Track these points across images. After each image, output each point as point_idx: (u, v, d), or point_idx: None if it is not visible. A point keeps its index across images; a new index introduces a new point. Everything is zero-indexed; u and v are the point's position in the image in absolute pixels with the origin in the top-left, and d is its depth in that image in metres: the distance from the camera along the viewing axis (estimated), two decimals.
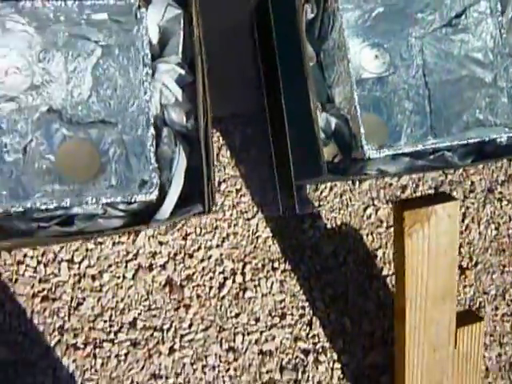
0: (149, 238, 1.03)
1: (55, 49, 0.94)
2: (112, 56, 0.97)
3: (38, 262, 0.98)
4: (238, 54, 1.10)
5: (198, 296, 1.04)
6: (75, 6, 0.86)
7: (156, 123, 0.91)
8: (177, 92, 0.92)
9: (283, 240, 1.11)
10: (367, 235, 1.16)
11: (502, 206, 1.26)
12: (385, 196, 1.19)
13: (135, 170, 0.95)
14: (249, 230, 1.08)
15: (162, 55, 0.92)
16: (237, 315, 1.06)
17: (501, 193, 1.26)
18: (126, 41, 0.95)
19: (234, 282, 1.06)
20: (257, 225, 1.09)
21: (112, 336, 0.98)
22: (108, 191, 0.91)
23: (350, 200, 1.17)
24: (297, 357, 1.09)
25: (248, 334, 1.06)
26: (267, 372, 1.05)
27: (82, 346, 0.97)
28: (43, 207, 0.82)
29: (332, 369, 1.09)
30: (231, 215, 1.08)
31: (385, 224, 1.18)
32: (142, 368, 1.00)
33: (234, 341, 1.05)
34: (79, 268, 0.99)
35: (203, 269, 1.05)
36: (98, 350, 0.98)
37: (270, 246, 1.09)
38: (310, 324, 1.09)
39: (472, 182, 1.24)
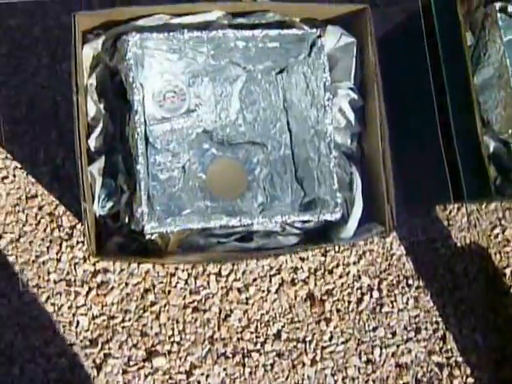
0: (290, 254, 1.03)
1: (204, 74, 0.93)
2: (256, 81, 0.95)
3: (189, 275, 0.99)
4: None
5: (338, 310, 1.05)
6: (253, 34, 0.85)
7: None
8: (350, 115, 0.92)
9: (416, 258, 1.10)
10: (495, 254, 1.15)
11: None
12: (511, 216, 1.17)
13: (279, 189, 0.94)
14: (383, 248, 1.09)
15: (333, 80, 0.91)
16: (374, 329, 1.06)
17: None
18: (288, 65, 0.93)
19: (371, 297, 1.06)
20: (391, 243, 1.09)
21: (259, 346, 0.99)
22: (290, 209, 0.90)
23: (478, 220, 1.15)
24: (431, 370, 1.06)
25: (385, 347, 1.04)
26: None
27: (231, 356, 0.98)
28: (225, 224, 0.82)
29: (465, 383, 1.07)
30: None
31: None
32: (287, 378, 1.00)
33: (372, 353, 1.04)
34: (226, 281, 1.00)
35: (342, 284, 1.05)
36: (246, 360, 0.98)
37: (404, 264, 1.09)
38: (443, 338, 1.08)
39: None
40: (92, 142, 0.87)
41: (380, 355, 1.03)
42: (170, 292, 0.98)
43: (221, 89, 0.94)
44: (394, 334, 1.05)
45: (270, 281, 1.01)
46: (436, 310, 1.08)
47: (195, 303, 0.98)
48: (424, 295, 1.08)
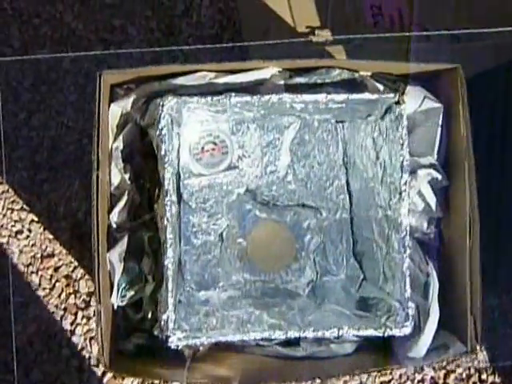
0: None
1: (251, 121, 0.92)
2: (311, 129, 0.94)
3: None
4: None
5: None
6: (315, 99, 0.83)
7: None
8: (430, 199, 0.86)
9: (491, 347, 1.06)
10: None
11: None
12: None
13: (332, 261, 0.94)
14: None
15: (411, 153, 0.84)
16: None
17: None
18: (353, 121, 0.92)
19: None
20: None
21: None
22: (348, 320, 0.84)
23: None
24: None
25: None
26: None
27: None
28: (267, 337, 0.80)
29: None
30: None
31: None
32: None
33: None
34: None
35: (400, 376, 1.03)
36: None
37: (476, 354, 1.00)
38: None
39: None
40: (114, 217, 0.86)
41: None
42: None
43: (269, 137, 0.94)
44: None
45: None
46: None
47: None
48: None
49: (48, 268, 1.08)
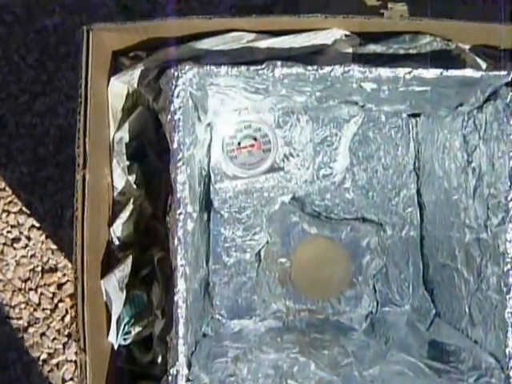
0: None
1: (302, 111, 0.89)
2: (377, 125, 0.91)
3: None
4: None
5: None
6: (396, 75, 0.75)
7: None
8: None
9: None
10: None
11: None
12: None
13: (396, 289, 0.91)
14: None
15: None
16: None
17: None
18: (434, 113, 0.87)
19: None
20: None
21: None
22: (423, 376, 0.78)
23: None
24: None
25: None
26: None
27: None
28: None
29: None
30: None
31: None
32: None
33: None
34: None
35: None
36: None
37: None
38: None
39: None
40: (117, 231, 0.81)
41: None
42: None
43: (324, 132, 0.91)
44: None
45: None
46: None
47: None
48: None
49: (50, 285, 1.06)
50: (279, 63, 0.74)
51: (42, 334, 1.07)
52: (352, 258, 0.91)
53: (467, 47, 0.83)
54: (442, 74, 0.74)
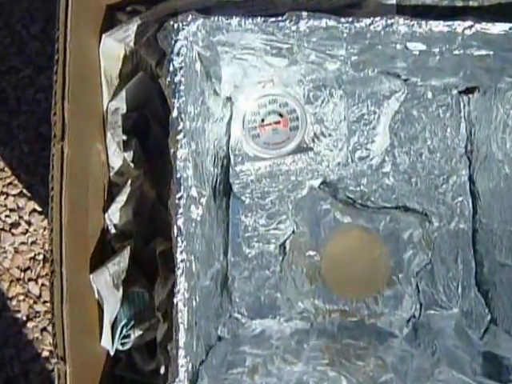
0: None
1: (336, 85, 0.84)
2: (422, 102, 0.86)
3: None
4: None
5: None
6: (454, 28, 0.68)
7: None
8: None
9: None
10: None
11: None
12: None
13: (442, 290, 0.86)
14: None
15: None
16: None
17: None
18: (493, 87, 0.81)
19: None
20: None
21: None
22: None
23: None
24: None
25: None
26: None
27: None
28: None
29: None
30: None
31: None
32: None
33: None
34: None
35: None
36: None
37: None
38: None
39: None
40: (114, 217, 0.75)
41: None
42: None
43: (361, 110, 0.86)
44: None
45: None
46: None
47: None
48: None
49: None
50: (305, 14, 0.67)
51: (43, 330, 1.04)
52: (391, 252, 0.86)
53: None
54: (510, 29, 0.65)
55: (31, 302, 1.04)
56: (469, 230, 0.86)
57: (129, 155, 0.75)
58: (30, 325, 1.05)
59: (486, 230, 0.83)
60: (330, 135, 0.86)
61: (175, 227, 0.65)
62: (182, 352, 0.64)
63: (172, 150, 0.65)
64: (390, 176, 0.86)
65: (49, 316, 1.03)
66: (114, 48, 0.74)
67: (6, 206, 1.08)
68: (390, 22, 0.67)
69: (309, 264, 0.85)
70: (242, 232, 0.84)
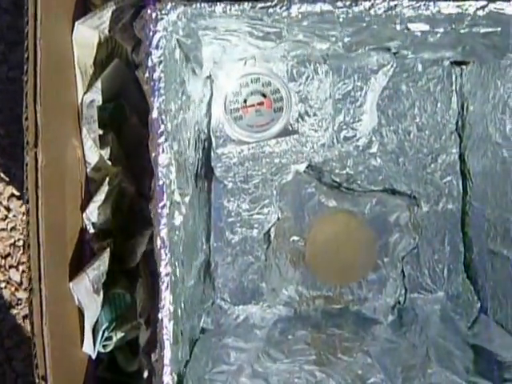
0: None
1: (321, 60, 0.81)
2: (411, 76, 0.83)
3: None
4: None
5: None
6: (461, 10, 0.63)
7: None
8: None
9: None
10: None
11: None
12: None
13: (428, 275, 0.85)
14: None
15: None
16: None
17: None
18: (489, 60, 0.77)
19: None
20: None
21: None
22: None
23: None
24: None
25: None
26: None
27: None
28: None
29: None
30: None
31: None
32: None
33: None
34: None
35: None
36: None
37: None
38: None
39: None
40: (92, 216, 0.71)
41: None
42: None
43: (347, 86, 0.83)
44: None
45: None
46: None
47: None
48: None
49: None
50: None
51: (25, 317, 1.03)
52: (377, 235, 0.84)
53: None
54: None
55: (13, 289, 1.03)
56: (457, 212, 0.84)
57: (106, 152, 0.72)
58: (12, 312, 1.05)
59: (478, 214, 0.81)
60: (314, 115, 0.83)
61: (158, 239, 0.61)
62: (167, 369, 0.62)
63: (153, 155, 0.61)
64: (377, 157, 0.84)
65: None
66: (87, 36, 0.70)
67: None
68: (392, 3, 0.62)
69: (293, 249, 0.84)
70: (225, 217, 0.83)
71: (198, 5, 0.61)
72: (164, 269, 0.62)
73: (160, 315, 0.62)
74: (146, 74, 0.60)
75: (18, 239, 1.05)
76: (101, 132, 0.71)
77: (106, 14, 0.69)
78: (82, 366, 0.70)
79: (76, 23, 0.69)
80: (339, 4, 0.63)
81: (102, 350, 0.71)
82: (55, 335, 0.62)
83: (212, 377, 0.70)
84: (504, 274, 0.76)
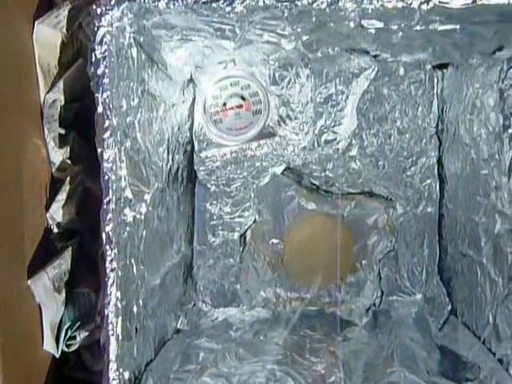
0: None
1: (301, 63, 0.81)
2: (393, 79, 0.84)
3: None
4: None
5: None
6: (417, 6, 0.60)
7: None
8: None
9: None
10: None
11: None
12: None
13: (406, 276, 0.86)
14: None
15: None
16: None
17: None
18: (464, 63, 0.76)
19: None
20: None
21: None
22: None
23: None
24: None
25: None
26: None
27: None
28: None
29: None
30: None
31: None
32: None
33: None
34: None
35: None
36: None
37: None
38: None
39: None
40: (56, 215, 0.72)
41: None
42: None
43: (328, 90, 0.84)
44: None
45: None
46: None
47: None
48: None
49: None
50: None
51: None
52: (356, 238, 0.85)
53: None
54: (475, 1, 0.59)
55: None
56: (435, 214, 0.84)
57: (65, 151, 0.71)
58: None
59: (451, 216, 0.81)
60: (296, 118, 0.84)
61: (103, 234, 0.60)
62: (113, 365, 0.61)
63: (99, 150, 0.60)
64: (357, 160, 0.85)
65: None
66: (49, 35, 0.69)
67: None
68: None
69: (271, 252, 0.84)
70: (208, 220, 0.84)
71: (142, 0, 0.60)
72: (109, 264, 0.60)
73: (106, 311, 0.60)
74: (91, 70, 0.59)
75: None
76: (62, 131, 0.70)
77: (63, 12, 0.69)
78: (45, 364, 0.70)
79: (36, 22, 0.68)
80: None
81: (66, 350, 0.71)
82: (8, 332, 0.62)
83: (177, 375, 0.70)
84: (471, 276, 0.75)
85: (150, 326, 0.67)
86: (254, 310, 0.84)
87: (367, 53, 0.78)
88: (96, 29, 0.58)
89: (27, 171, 0.67)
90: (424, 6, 0.60)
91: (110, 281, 0.61)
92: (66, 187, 0.71)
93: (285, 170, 0.85)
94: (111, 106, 0.59)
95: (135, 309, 0.64)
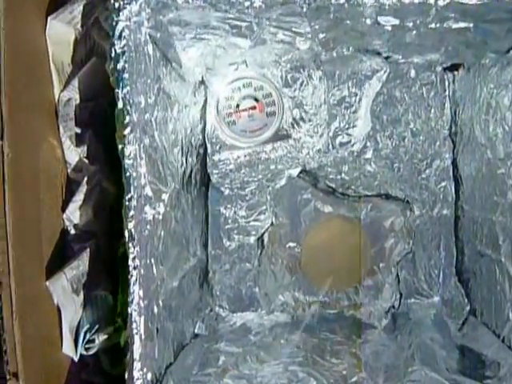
0: None
1: (314, 66, 0.82)
2: (405, 82, 0.84)
3: None
4: None
5: None
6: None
7: None
8: None
9: None
10: None
11: None
12: None
13: (423, 279, 0.85)
14: None
15: None
16: None
17: None
18: (477, 63, 0.77)
19: None
20: None
21: None
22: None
23: None
24: None
25: None
26: None
27: None
28: None
29: None
30: None
31: None
32: None
33: None
34: None
35: None
36: None
37: None
38: None
39: None
40: (73, 217, 0.71)
41: None
42: None
43: (341, 92, 0.84)
44: None
45: None
46: None
47: None
48: None
49: None
50: None
51: None
52: (373, 241, 0.85)
53: None
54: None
55: None
56: (451, 217, 0.85)
57: (82, 150, 0.71)
58: None
59: (468, 217, 0.82)
60: (309, 120, 0.84)
61: (126, 231, 0.60)
62: (137, 365, 0.61)
63: (120, 147, 0.59)
64: (372, 162, 0.85)
65: None
66: (62, 32, 0.68)
67: None
68: None
69: (289, 256, 0.84)
70: (222, 224, 0.84)
71: None
72: (132, 262, 0.60)
73: (130, 309, 0.60)
74: (111, 65, 0.59)
75: None
76: (78, 130, 0.70)
77: (78, 8, 0.68)
78: (63, 368, 0.70)
79: (49, 18, 0.67)
80: None
81: (85, 353, 0.70)
82: (27, 334, 0.62)
83: (197, 378, 0.70)
84: (490, 275, 0.76)
85: (169, 328, 0.67)
86: (273, 315, 0.84)
87: (379, 54, 0.79)
88: (115, 23, 0.58)
89: (43, 171, 0.67)
90: (440, 2, 0.61)
91: (133, 279, 0.60)
92: (83, 188, 0.70)
93: (300, 172, 0.84)
94: (131, 101, 0.59)
95: (156, 309, 0.64)
